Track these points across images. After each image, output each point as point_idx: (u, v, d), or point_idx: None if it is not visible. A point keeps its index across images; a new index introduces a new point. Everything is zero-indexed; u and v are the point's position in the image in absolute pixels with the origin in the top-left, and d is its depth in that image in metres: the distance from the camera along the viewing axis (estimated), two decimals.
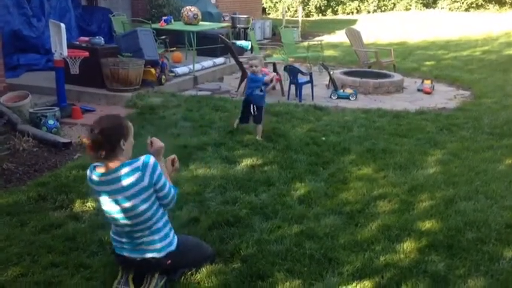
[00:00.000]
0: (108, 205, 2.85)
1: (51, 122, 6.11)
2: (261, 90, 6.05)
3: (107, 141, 2.72)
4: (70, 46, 7.52)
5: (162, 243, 2.92)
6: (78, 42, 8.04)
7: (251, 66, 6.10)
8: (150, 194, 2.82)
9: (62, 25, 6.52)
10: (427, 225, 3.89)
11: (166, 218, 3.01)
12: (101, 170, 2.82)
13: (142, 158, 2.80)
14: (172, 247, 2.98)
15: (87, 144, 2.79)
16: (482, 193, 4.52)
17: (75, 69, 6.93)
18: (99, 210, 3.93)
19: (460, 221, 3.92)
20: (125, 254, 2.94)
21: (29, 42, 8.80)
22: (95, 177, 2.83)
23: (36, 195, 4.28)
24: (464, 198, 4.40)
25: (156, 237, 2.90)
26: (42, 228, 3.69)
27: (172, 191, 2.96)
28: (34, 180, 4.75)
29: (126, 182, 2.75)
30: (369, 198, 4.46)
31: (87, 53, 7.03)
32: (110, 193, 2.80)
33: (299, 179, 4.86)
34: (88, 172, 2.92)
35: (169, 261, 2.94)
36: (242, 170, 5.06)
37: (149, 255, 2.90)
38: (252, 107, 6.02)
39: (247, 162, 5.24)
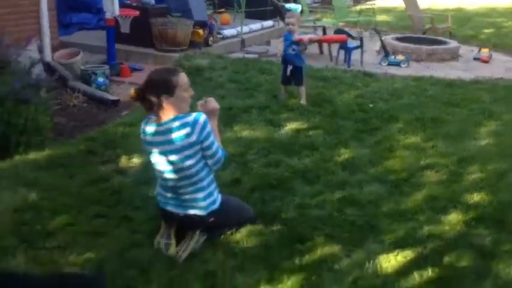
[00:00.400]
0: (156, 157, 2.90)
1: (100, 79, 6.23)
2: (293, 50, 5.91)
3: (150, 94, 2.80)
4: (121, 5, 7.60)
5: (206, 201, 2.95)
6: (129, 2, 8.08)
7: (287, 25, 5.98)
8: (197, 151, 2.83)
9: None
10: (476, 198, 3.74)
11: (211, 177, 3.02)
12: (153, 121, 2.90)
13: (194, 114, 2.83)
14: (216, 206, 3.00)
15: (131, 95, 2.87)
16: None
17: (126, 28, 7.00)
18: (144, 166, 4.03)
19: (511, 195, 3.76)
20: (169, 208, 2.99)
21: (81, 1, 8.94)
22: (147, 128, 2.90)
23: (85, 149, 4.41)
24: None
25: (200, 195, 2.93)
26: (90, 181, 3.81)
27: (220, 152, 2.96)
28: (84, 135, 4.89)
29: (175, 135, 2.79)
30: (416, 168, 4.33)
31: (137, 12, 7.07)
32: (159, 144, 2.85)
33: (344, 145, 4.77)
34: (142, 124, 2.98)
35: (212, 219, 2.98)
36: (286, 133, 5.02)
37: (192, 211, 2.94)
38: (287, 66, 5.94)
39: (291, 126, 5.18)
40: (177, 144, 2.80)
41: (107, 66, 6.55)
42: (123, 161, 4.23)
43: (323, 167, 4.29)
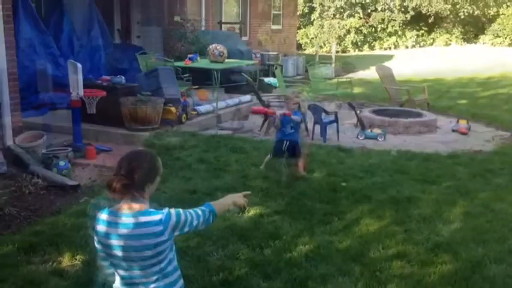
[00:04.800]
0: (116, 251, 2.36)
1: (62, 163, 5.99)
2: (292, 128, 5.92)
3: (134, 185, 2.31)
4: (91, 85, 7.54)
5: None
6: (100, 81, 8.03)
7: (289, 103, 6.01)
8: (165, 249, 2.36)
9: (79, 65, 6.49)
10: None
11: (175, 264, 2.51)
12: (120, 210, 2.35)
13: (165, 212, 2.33)
14: None
15: (112, 186, 2.30)
16: None
17: (92, 109, 6.87)
18: (88, 265, 3.70)
19: None
20: None
21: (54, 81, 8.87)
22: (108, 218, 2.35)
23: (27, 246, 4.07)
24: (495, 261, 3.89)
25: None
26: (21, 286, 3.44)
27: (205, 217, 2.43)
28: (32, 227, 4.57)
29: (143, 230, 2.30)
30: (386, 257, 4.01)
31: (104, 93, 6.96)
32: (121, 237, 2.33)
33: (310, 231, 4.47)
34: (98, 213, 2.41)
35: None
36: (250, 219, 4.72)
37: None
38: (283, 143, 5.96)
39: (255, 210, 4.89)
40: (143, 240, 2.29)
41: (70, 149, 6.34)
42: (66, 259, 3.88)
43: (285, 258, 3.98)
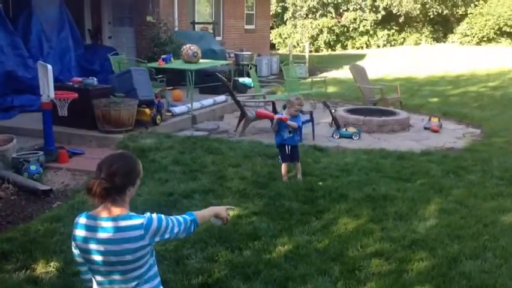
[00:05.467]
0: (94, 256, 2.29)
1: (33, 167, 5.83)
2: (290, 132, 5.86)
3: (115, 188, 2.23)
4: (62, 87, 7.37)
5: None
6: (71, 83, 7.86)
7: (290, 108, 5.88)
8: (145, 254, 2.30)
9: (49, 66, 6.34)
10: None
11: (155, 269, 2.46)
12: (99, 214, 2.28)
13: (147, 216, 2.28)
14: None
15: (92, 190, 2.23)
16: (491, 250, 4.07)
17: (63, 112, 6.72)
18: (63, 271, 3.61)
19: (465, 286, 3.48)
20: None
21: (24, 83, 8.67)
22: (87, 222, 2.29)
23: None
24: (470, 257, 3.95)
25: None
26: None
27: (186, 225, 2.38)
28: (3, 234, 4.42)
29: (123, 234, 2.24)
30: (364, 255, 4.03)
31: (75, 95, 6.81)
32: (100, 242, 2.26)
33: (288, 231, 4.46)
34: (76, 217, 2.34)
35: None
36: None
37: None
38: (285, 147, 5.91)
39: (234, 212, 4.84)
40: (124, 245, 2.23)
41: (41, 153, 6.18)
42: (40, 266, 3.77)
43: (265, 259, 3.96)
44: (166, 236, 2.30)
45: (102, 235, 2.23)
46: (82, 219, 2.28)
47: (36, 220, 4.75)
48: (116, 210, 2.25)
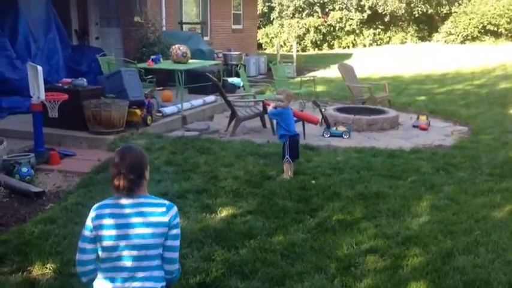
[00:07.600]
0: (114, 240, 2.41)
1: (24, 169, 5.79)
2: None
3: (138, 177, 2.41)
4: (51, 88, 7.31)
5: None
6: (60, 84, 7.80)
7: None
8: (162, 242, 2.43)
9: (39, 68, 6.28)
10: (422, 286, 3.50)
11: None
12: (123, 202, 2.43)
13: (168, 203, 2.49)
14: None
15: (118, 185, 2.38)
16: (483, 245, 4.14)
17: (54, 113, 6.67)
18: (60, 273, 3.60)
19: (459, 281, 3.54)
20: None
21: (12, 84, 8.59)
22: (112, 211, 2.42)
23: None
24: (463, 252, 4.02)
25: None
26: None
27: (178, 265, 2.53)
28: None
29: (148, 219, 2.42)
30: (359, 252, 4.09)
31: (66, 96, 6.77)
32: (120, 227, 2.40)
33: (284, 230, 4.50)
34: (98, 210, 2.43)
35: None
36: (223, 220, 4.70)
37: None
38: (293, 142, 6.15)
39: (228, 211, 4.88)
40: (148, 226, 2.41)
41: (32, 155, 6.13)
42: (37, 268, 3.75)
43: (261, 257, 3.98)
44: (175, 242, 2.45)
45: (132, 220, 2.38)
46: (107, 210, 2.41)
47: (29, 222, 4.72)
48: (140, 199, 2.41)
